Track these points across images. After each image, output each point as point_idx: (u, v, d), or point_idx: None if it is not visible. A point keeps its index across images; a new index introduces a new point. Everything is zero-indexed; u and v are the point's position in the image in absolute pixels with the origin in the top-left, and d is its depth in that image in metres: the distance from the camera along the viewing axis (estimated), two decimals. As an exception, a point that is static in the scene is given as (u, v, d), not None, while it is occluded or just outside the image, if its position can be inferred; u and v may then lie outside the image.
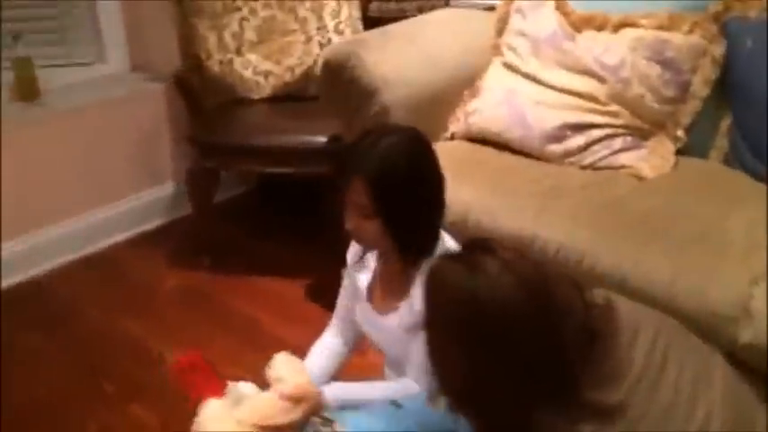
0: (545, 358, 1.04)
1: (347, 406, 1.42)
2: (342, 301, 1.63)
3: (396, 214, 1.34)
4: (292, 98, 2.51)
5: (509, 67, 2.10)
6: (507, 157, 1.99)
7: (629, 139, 1.93)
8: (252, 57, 2.52)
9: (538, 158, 1.97)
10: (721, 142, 1.99)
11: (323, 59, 2.04)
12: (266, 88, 2.53)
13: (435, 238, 1.42)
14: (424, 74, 2.04)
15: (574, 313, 1.05)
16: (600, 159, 1.93)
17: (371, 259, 1.54)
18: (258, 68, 2.52)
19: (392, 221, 1.35)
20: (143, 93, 2.75)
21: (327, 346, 1.64)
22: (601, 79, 1.96)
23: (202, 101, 2.52)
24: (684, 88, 1.95)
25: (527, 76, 2.05)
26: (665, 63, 1.93)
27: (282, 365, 1.43)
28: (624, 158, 1.92)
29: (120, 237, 2.78)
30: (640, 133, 1.95)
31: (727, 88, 1.95)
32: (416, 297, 1.40)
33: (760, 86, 1.86)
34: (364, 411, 1.40)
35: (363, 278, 1.54)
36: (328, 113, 2.13)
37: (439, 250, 1.41)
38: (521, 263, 1.06)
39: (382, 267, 1.51)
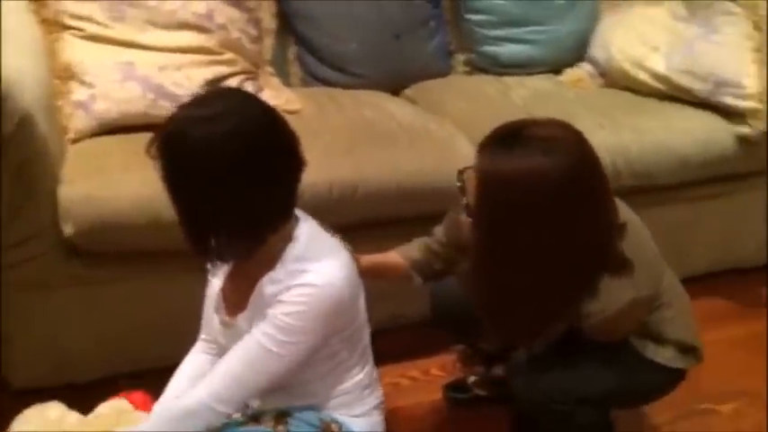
0: (609, 212, 1.15)
1: None
2: (206, 310, 1.35)
3: (173, 187, 1.11)
4: None
5: (93, 38, 1.73)
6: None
7: (254, 82, 1.91)
8: None
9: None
10: (294, 69, 2.18)
11: None
12: None
13: (253, 237, 1.15)
14: (29, 65, 1.51)
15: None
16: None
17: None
18: None
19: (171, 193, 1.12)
20: None
21: (194, 365, 1.35)
22: (204, 30, 1.84)
23: None
24: (259, 25, 2.02)
25: (126, 44, 1.75)
26: (236, 4, 1.94)
27: None
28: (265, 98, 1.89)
29: None
30: (253, 75, 1.94)
31: (288, 22, 2.13)
32: (258, 297, 1.21)
33: (318, 13, 2.12)
34: None
35: (216, 282, 1.31)
36: None
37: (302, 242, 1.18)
38: (565, 126, 1.12)
39: (233, 265, 1.28)
